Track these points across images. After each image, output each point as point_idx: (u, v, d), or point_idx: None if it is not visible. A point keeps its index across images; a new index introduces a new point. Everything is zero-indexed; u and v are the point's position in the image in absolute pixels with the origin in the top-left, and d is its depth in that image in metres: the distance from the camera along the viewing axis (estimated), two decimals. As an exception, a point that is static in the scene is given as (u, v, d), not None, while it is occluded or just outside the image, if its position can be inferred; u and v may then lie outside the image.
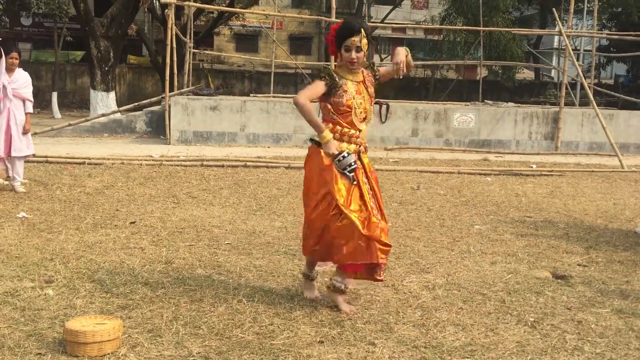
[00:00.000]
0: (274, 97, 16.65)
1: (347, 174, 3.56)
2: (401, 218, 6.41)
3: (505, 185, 8.90)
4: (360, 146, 3.73)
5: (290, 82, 27.36)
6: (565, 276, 4.56)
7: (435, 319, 3.62)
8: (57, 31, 23.05)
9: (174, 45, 13.58)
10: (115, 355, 3.01)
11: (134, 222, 5.87)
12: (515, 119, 13.91)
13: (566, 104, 14.46)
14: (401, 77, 3.76)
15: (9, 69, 7.08)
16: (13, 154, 7.15)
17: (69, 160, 9.57)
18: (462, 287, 4.22)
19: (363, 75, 3.75)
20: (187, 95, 13.95)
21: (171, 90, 13.46)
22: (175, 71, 13.97)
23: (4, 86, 7.03)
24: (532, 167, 10.96)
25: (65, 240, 5.13)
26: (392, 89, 28.09)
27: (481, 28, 19.12)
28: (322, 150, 3.64)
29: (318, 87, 3.66)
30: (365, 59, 3.71)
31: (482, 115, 13.85)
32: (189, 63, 16.25)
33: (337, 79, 3.65)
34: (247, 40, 33.91)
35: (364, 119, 3.73)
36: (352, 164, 3.55)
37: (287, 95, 19.02)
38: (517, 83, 28.65)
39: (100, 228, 5.60)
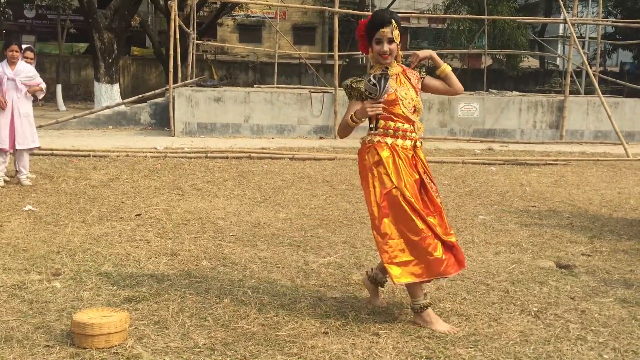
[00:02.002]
0: (277, 87, 16.64)
1: (372, 87, 3.22)
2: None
3: (510, 175, 8.90)
4: (415, 141, 3.47)
5: (294, 73, 27.31)
6: (569, 266, 4.57)
7: (439, 309, 3.64)
8: (60, 23, 23.06)
9: (178, 37, 13.57)
10: (122, 347, 3.04)
11: (140, 214, 5.91)
12: (519, 108, 13.86)
13: (571, 92, 14.39)
14: (412, 67, 3.56)
15: (11, 62, 7.09)
16: (17, 146, 7.18)
17: (74, 153, 9.61)
18: (466, 278, 4.24)
19: (402, 68, 3.54)
20: (191, 86, 13.96)
21: (175, 81, 13.46)
22: (179, 62, 13.97)
23: (8, 79, 7.05)
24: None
25: (71, 233, 5.17)
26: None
27: (485, 16, 19.00)
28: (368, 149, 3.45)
29: (353, 106, 3.46)
30: (399, 52, 3.49)
31: (486, 105, 13.80)
32: (193, 54, 16.24)
33: (360, 85, 3.43)
34: (251, 31, 33.82)
35: (414, 110, 3.46)
36: (378, 79, 3.21)
37: (291, 86, 19.05)
38: (521, 72, 28.50)
39: (106, 221, 5.64)
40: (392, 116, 3.43)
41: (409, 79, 3.54)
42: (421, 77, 3.60)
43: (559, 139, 13.66)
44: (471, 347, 3.15)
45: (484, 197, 7.20)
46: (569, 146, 12.89)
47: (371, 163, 3.43)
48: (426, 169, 3.54)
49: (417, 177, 3.45)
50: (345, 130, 3.50)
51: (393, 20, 3.40)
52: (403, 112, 3.43)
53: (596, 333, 3.37)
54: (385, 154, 3.40)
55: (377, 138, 3.45)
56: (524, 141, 13.38)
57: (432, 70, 3.66)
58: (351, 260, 4.60)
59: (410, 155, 3.46)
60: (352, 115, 3.38)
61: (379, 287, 3.76)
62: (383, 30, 3.38)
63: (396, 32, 3.41)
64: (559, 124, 13.82)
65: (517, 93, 16.17)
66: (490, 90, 16.58)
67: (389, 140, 3.42)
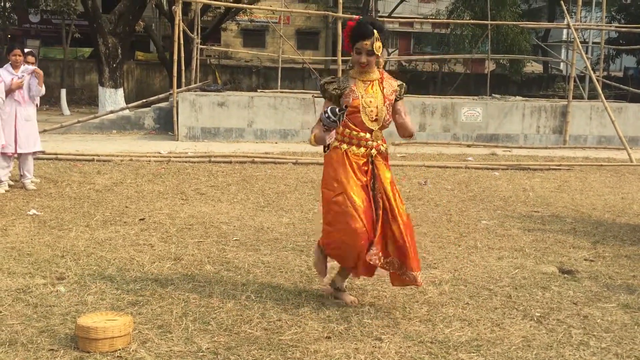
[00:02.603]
0: (281, 92, 16.68)
1: (331, 122, 3.39)
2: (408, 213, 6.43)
3: (513, 180, 8.90)
4: (371, 149, 3.62)
5: (297, 77, 27.37)
6: (571, 271, 4.57)
7: (441, 314, 3.65)
8: (65, 28, 23.15)
9: (182, 41, 13.63)
10: (126, 350, 3.06)
11: (143, 218, 5.93)
12: (523, 113, 13.87)
13: (575, 97, 14.41)
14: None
15: (15, 66, 7.11)
16: (19, 150, 7.18)
17: (78, 157, 9.64)
18: (469, 283, 4.25)
19: (381, 76, 3.64)
20: (195, 91, 14.00)
21: (179, 86, 13.51)
22: (183, 67, 14.02)
23: (17, 78, 7.03)
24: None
25: (75, 237, 5.19)
26: (399, 83, 28.01)
27: (489, 22, 19.04)
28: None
29: (327, 105, 3.61)
30: (381, 60, 3.61)
31: (489, 110, 13.82)
32: (197, 59, 16.29)
33: (336, 84, 3.62)
34: (255, 36, 33.93)
35: (376, 118, 3.60)
36: (329, 113, 3.38)
37: (295, 91, 19.10)
38: (525, 76, 28.52)
39: (110, 225, 5.66)
40: (350, 124, 3.59)
41: (384, 88, 3.63)
42: (397, 95, 3.68)
43: (563, 144, 13.66)
44: (474, 352, 3.16)
45: (487, 202, 7.20)
46: (573, 151, 12.89)
47: (327, 167, 3.67)
48: (382, 180, 3.62)
49: (365, 180, 3.60)
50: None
51: (376, 32, 3.49)
52: (363, 120, 3.58)
53: (599, 338, 3.37)
54: (337, 158, 3.60)
55: (335, 143, 3.65)
56: (528, 146, 13.38)
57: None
58: (354, 265, 4.61)
59: (361, 163, 3.60)
60: (312, 137, 3.56)
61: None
62: (364, 42, 3.50)
63: (377, 44, 3.50)
64: (562, 129, 13.83)
65: (520, 98, 16.18)
66: (493, 95, 16.60)
67: (345, 146, 3.61)
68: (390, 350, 3.15)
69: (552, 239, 5.54)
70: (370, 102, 3.58)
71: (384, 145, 3.70)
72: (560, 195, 7.83)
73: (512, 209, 6.89)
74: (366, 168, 3.62)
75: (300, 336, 3.29)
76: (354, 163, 3.59)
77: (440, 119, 13.64)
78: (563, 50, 30.56)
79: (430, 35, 33.97)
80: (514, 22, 22.04)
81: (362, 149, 3.61)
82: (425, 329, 3.44)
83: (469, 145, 13.16)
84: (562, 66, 30.03)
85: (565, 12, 14.62)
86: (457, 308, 3.77)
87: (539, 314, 3.69)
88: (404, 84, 3.76)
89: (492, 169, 9.87)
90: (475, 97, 16.09)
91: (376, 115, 3.60)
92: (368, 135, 3.61)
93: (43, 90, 7.44)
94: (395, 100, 3.69)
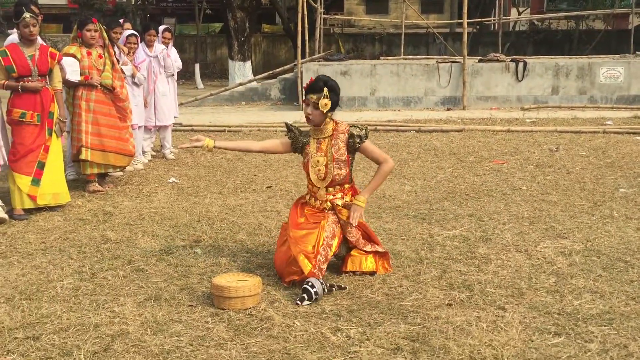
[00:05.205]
0: (404, 59, 16.44)
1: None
2: (537, 181, 6.17)
3: (658, 145, 8.19)
4: (325, 202, 3.75)
5: (421, 43, 26.74)
6: None
7: (570, 286, 3.51)
8: (197, 5, 24.31)
9: (305, 12, 13.82)
10: (256, 309, 3.26)
11: (270, 186, 6.20)
12: (672, 71, 12.61)
13: None
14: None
15: (149, 45, 7.61)
16: (157, 123, 7.74)
17: (211, 128, 10.21)
18: (602, 254, 4.03)
19: (332, 132, 3.74)
20: (319, 61, 14.19)
21: (303, 56, 13.75)
22: (307, 38, 14.23)
23: (151, 59, 7.54)
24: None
25: (210, 203, 5.55)
26: (530, 43, 26.50)
27: (633, -29, 17.36)
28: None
29: (282, 140, 3.92)
30: (329, 119, 3.72)
31: (632, 69, 12.70)
32: (320, 29, 16.46)
33: (298, 136, 3.85)
34: (377, 2, 33.51)
35: (324, 177, 3.73)
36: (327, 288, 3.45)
37: (418, 57, 18.73)
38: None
39: (240, 192, 5.99)
40: (308, 179, 3.83)
41: (333, 146, 3.71)
42: (352, 146, 3.72)
43: None
44: (605, 326, 3.02)
45: (626, 169, 6.71)
46: None
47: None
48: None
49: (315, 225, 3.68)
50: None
51: (326, 89, 3.64)
52: (312, 178, 3.77)
53: None
54: (295, 204, 3.89)
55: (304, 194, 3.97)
56: (677, 107, 12.17)
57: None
58: (477, 233, 4.53)
59: (310, 213, 3.76)
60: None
61: None
62: (311, 95, 3.68)
63: (324, 102, 3.63)
64: None
65: (669, 54, 14.70)
66: (637, 52, 15.22)
67: (307, 197, 3.87)
68: (514, 319, 3.10)
69: (702, 209, 5.07)
70: (318, 161, 3.74)
71: (344, 198, 3.77)
72: None
73: (656, 176, 6.37)
74: (321, 217, 3.71)
75: (421, 302, 3.33)
76: (304, 214, 3.77)
77: (575, 81, 12.77)
78: None
79: (566, -10, 31.64)
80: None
81: (317, 202, 3.79)
82: (552, 300, 3.34)
83: (610, 108, 12.22)
84: None
85: None
86: (589, 280, 3.60)
87: (681, 289, 3.43)
88: (361, 129, 3.74)
89: (634, 133, 9.13)
90: (617, 56, 14.85)
91: (324, 174, 3.72)
92: (322, 192, 3.77)
93: (179, 64, 7.92)
94: (355, 149, 3.73)
